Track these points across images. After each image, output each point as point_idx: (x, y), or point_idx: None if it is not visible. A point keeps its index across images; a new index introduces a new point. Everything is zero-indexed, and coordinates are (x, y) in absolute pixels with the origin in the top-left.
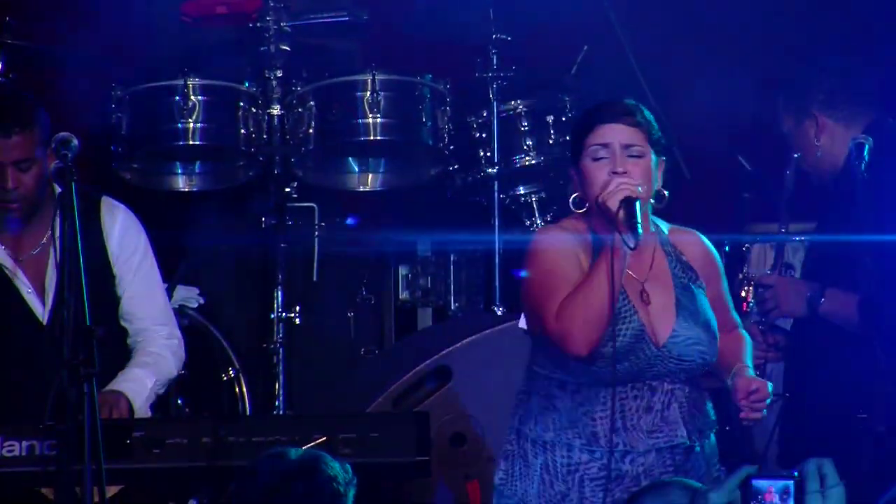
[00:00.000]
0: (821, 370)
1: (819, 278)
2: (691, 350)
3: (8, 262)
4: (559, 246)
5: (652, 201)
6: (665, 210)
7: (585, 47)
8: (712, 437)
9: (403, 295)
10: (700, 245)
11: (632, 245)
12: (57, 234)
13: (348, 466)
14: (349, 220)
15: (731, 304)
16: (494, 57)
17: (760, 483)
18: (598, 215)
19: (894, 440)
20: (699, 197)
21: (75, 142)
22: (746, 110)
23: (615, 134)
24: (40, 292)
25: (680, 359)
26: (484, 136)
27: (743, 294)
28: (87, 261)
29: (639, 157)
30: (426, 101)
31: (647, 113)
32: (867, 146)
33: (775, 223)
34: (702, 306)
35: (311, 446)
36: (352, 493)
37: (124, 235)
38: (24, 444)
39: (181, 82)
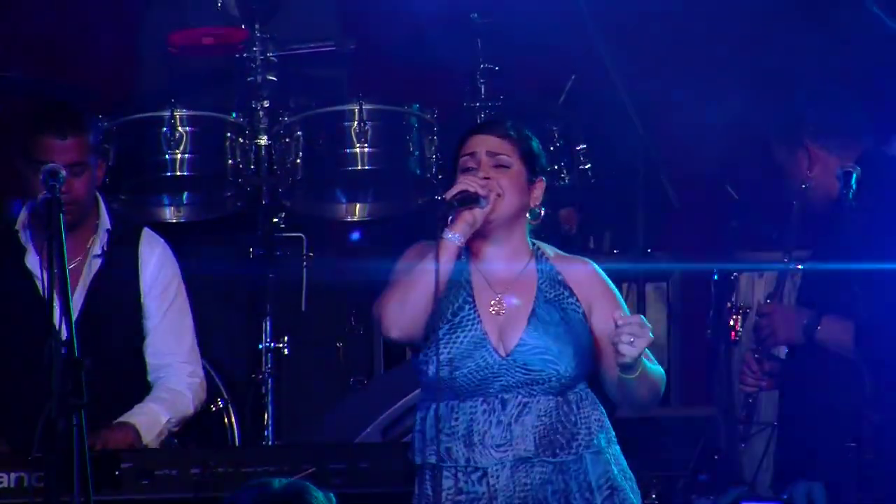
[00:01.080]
0: (811, 398)
1: (814, 306)
2: (538, 359)
3: (41, 274)
4: (418, 250)
5: (528, 218)
6: (654, 238)
7: (573, 76)
8: (598, 447)
9: None
10: (585, 269)
11: (449, 235)
12: (97, 251)
13: (332, 496)
14: (354, 236)
15: None
16: (482, 86)
17: None
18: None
19: (882, 467)
20: (687, 225)
21: (63, 173)
22: (735, 138)
23: (482, 143)
24: (65, 307)
25: (526, 368)
26: None
27: (731, 323)
28: (118, 288)
29: (505, 167)
30: (413, 130)
31: (527, 132)
32: (855, 175)
33: (763, 251)
34: (565, 321)
35: (301, 477)
36: None
37: (160, 269)
38: (13, 476)
39: (168, 113)
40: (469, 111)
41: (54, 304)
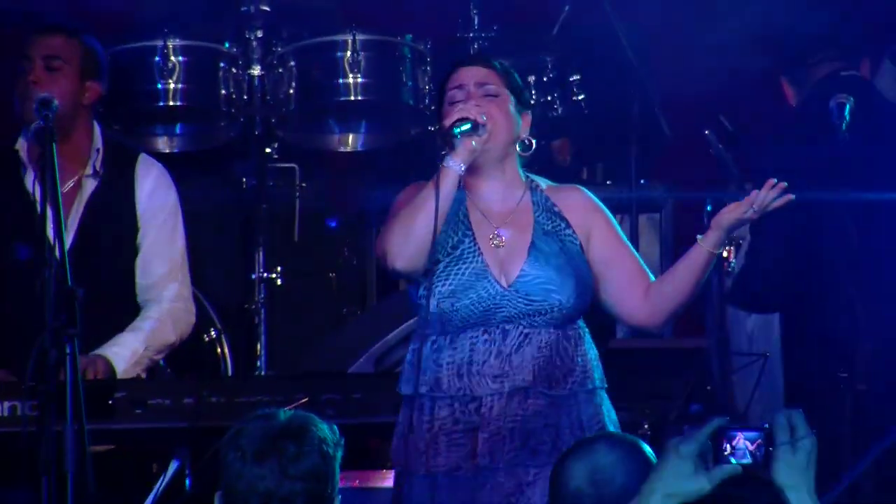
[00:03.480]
0: (804, 330)
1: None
2: (539, 290)
3: (38, 195)
4: (413, 190)
5: (518, 149)
6: (647, 168)
7: (567, 7)
8: (591, 387)
9: None
10: (579, 198)
11: (451, 164)
12: (89, 172)
13: (336, 427)
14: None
15: (636, 255)
16: (475, 16)
17: (732, 434)
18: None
19: (873, 399)
20: (680, 156)
21: (56, 102)
22: (729, 68)
23: (469, 75)
24: (59, 236)
25: (528, 298)
26: None
27: (724, 254)
28: (114, 209)
29: (494, 95)
30: (407, 61)
31: (507, 65)
32: (848, 106)
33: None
34: (564, 252)
35: (294, 407)
36: (340, 454)
37: (155, 190)
38: (6, 405)
39: (161, 43)
40: (462, 42)
41: (48, 233)
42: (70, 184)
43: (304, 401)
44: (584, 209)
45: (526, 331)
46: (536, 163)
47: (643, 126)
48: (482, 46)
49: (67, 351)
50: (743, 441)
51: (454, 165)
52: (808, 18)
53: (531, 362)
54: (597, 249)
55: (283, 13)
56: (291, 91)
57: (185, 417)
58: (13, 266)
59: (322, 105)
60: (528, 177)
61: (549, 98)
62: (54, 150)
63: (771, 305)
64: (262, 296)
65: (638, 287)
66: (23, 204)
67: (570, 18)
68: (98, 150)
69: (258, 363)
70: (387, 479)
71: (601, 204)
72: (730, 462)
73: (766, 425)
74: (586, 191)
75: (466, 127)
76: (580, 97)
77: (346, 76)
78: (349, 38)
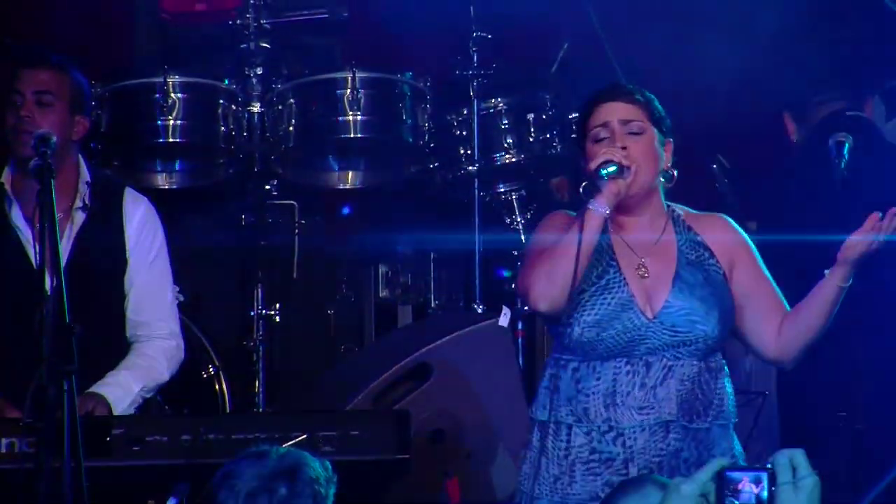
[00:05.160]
0: (804, 369)
1: (804, 277)
2: (685, 321)
3: (25, 230)
4: (558, 220)
5: (662, 180)
6: None
7: (566, 44)
8: (726, 423)
9: (383, 293)
10: (723, 227)
11: (597, 207)
12: (78, 205)
13: (328, 464)
14: (345, 210)
15: (775, 288)
16: (475, 54)
17: (734, 475)
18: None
19: (872, 438)
20: (678, 192)
21: (55, 139)
22: (728, 107)
23: (613, 112)
24: (50, 263)
25: (673, 329)
26: (464, 133)
27: None
28: (103, 243)
29: (638, 133)
30: (406, 98)
31: (647, 94)
32: (847, 144)
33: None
34: (708, 282)
35: (292, 444)
36: (332, 490)
37: (143, 227)
38: (4, 441)
39: (161, 80)
40: (462, 79)
41: (45, 274)
42: (59, 216)
43: (302, 437)
44: (727, 239)
45: (669, 363)
46: (536, 199)
47: None
48: (482, 85)
49: (65, 388)
50: (746, 482)
51: (599, 209)
52: (807, 59)
53: (675, 395)
54: (739, 281)
55: (283, 50)
56: (291, 128)
57: (182, 454)
58: (7, 301)
59: (321, 142)
60: (668, 205)
61: (547, 136)
62: (52, 187)
63: None
64: (261, 332)
65: (773, 322)
66: (9, 238)
67: (568, 56)
68: (87, 184)
69: (256, 400)
70: None
71: (745, 234)
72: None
73: (769, 465)
74: (730, 220)
75: (612, 169)
76: None
77: (345, 114)
78: (349, 76)
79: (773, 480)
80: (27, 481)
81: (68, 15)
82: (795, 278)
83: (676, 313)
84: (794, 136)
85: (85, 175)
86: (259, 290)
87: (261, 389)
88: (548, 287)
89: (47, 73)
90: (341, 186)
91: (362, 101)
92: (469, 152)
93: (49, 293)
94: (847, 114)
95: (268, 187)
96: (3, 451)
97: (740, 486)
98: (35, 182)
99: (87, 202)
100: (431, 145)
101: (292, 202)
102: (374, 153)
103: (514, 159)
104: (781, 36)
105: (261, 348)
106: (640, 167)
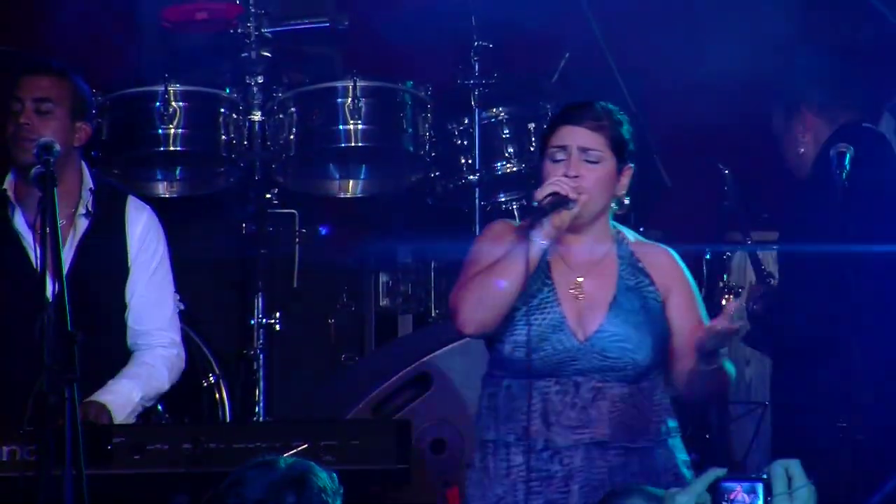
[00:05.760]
0: (802, 380)
1: (797, 286)
2: (616, 347)
3: (27, 237)
4: (497, 233)
5: (613, 206)
6: (646, 217)
7: (567, 54)
8: (670, 443)
9: (384, 302)
10: (665, 258)
11: (538, 239)
12: (82, 211)
13: (335, 475)
14: (322, 230)
15: (704, 320)
16: (476, 64)
17: (729, 485)
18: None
19: (872, 448)
20: (679, 205)
21: (57, 147)
22: (729, 119)
23: (574, 136)
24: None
25: (603, 354)
26: (465, 143)
27: (723, 302)
28: (106, 250)
29: (595, 162)
30: (407, 107)
31: (618, 116)
32: (848, 155)
33: (756, 231)
34: (645, 310)
35: (292, 454)
36: (339, 502)
37: (146, 235)
38: (5, 449)
39: (162, 88)
40: (463, 88)
41: (46, 280)
42: (62, 223)
43: (302, 447)
44: (665, 270)
45: (598, 385)
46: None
47: (642, 174)
48: (483, 94)
49: (66, 395)
50: (740, 493)
51: (540, 241)
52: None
53: (608, 417)
54: (670, 315)
55: (283, 59)
56: (292, 136)
57: (183, 463)
58: (8, 307)
59: (322, 151)
60: (617, 229)
61: None
62: (55, 195)
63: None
64: (261, 341)
65: (685, 362)
66: (12, 244)
67: (569, 66)
68: (91, 191)
69: (256, 409)
70: None
71: (686, 269)
72: None
73: (765, 475)
74: (673, 253)
75: (556, 202)
76: None
77: (346, 122)
78: (350, 84)
79: (768, 491)
80: (28, 489)
81: (69, 23)
82: (829, 289)
83: (609, 339)
84: (811, 131)
85: (88, 182)
86: (260, 299)
87: (261, 398)
88: (477, 313)
89: (47, 79)
90: (342, 195)
91: (363, 109)
92: (470, 161)
93: (50, 300)
94: (863, 125)
95: (268, 196)
96: (4, 459)
97: (735, 497)
98: (37, 189)
99: (90, 209)
100: (432, 154)
101: (293, 211)
102: (374, 162)
103: (514, 169)
104: (791, 41)
105: (261, 357)
106: (591, 197)
